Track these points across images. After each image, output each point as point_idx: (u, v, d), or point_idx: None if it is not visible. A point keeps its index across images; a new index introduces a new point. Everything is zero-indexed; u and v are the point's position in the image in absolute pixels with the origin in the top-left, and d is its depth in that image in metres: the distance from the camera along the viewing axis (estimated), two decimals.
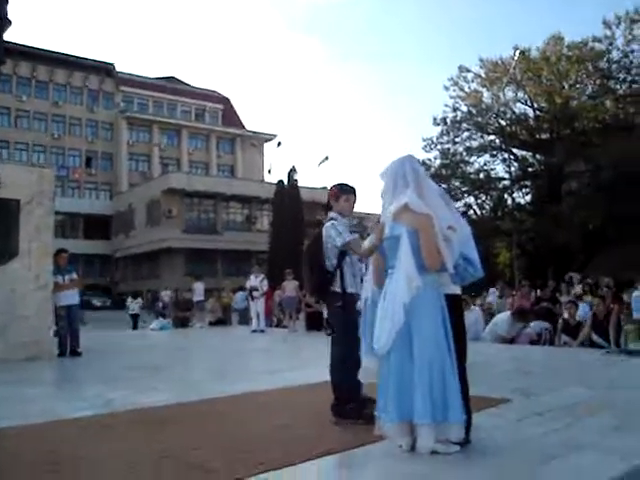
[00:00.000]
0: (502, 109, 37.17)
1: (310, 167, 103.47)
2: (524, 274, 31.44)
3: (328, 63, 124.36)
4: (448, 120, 38.08)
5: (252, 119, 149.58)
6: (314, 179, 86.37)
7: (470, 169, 38.47)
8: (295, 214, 38.54)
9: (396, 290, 3.88)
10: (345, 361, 4.91)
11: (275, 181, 43.14)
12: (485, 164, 38.51)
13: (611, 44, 33.54)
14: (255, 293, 16.30)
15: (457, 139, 38.32)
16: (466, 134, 38.37)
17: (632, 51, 33.45)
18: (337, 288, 4.94)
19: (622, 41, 33.30)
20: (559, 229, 30.23)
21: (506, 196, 38.45)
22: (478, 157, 38.54)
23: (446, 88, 38.40)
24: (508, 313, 12.40)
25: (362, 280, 5.02)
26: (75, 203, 55.87)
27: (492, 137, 38.35)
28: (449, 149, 38.42)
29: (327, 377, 6.34)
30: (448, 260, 3.89)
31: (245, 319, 19.87)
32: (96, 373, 8.32)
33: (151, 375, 8.07)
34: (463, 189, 37.93)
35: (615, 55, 33.96)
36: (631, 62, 33.70)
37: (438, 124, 38.25)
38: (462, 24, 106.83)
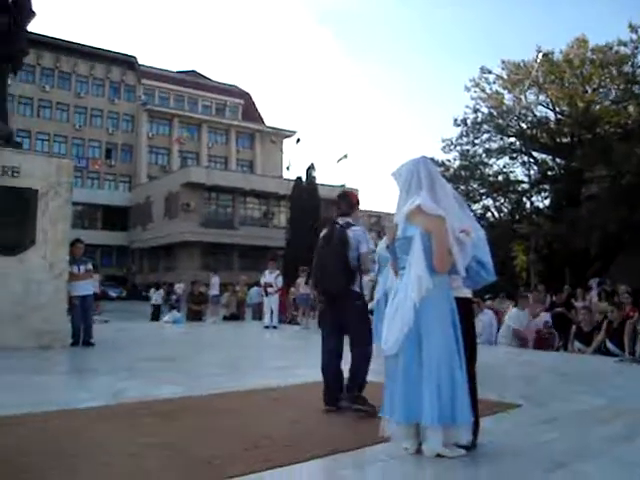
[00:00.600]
0: (523, 112, 36.85)
1: (328, 164, 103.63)
2: (541, 278, 31.21)
3: (348, 61, 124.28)
4: (468, 121, 37.80)
5: (272, 115, 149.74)
6: (332, 176, 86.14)
7: (489, 171, 38.18)
8: (313, 211, 38.56)
9: (406, 291, 3.87)
10: (370, 359, 5.27)
11: (293, 177, 43.20)
12: (504, 166, 38.18)
13: (637, 48, 33.05)
14: (269, 289, 16.31)
15: (477, 141, 38.04)
16: (486, 136, 38.07)
17: None
18: (357, 288, 5.31)
19: None
20: (577, 234, 29.92)
21: (525, 199, 38.14)
22: (497, 159, 38.23)
23: (467, 89, 38.15)
24: (516, 308, 12.38)
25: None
26: (94, 194, 56.28)
27: (512, 139, 38.02)
28: (468, 150, 38.15)
29: None
30: (459, 263, 3.87)
31: (258, 315, 19.92)
32: (108, 364, 8.36)
33: (162, 367, 8.11)
34: (481, 191, 37.65)
35: None
36: None
37: (458, 125, 38.00)
38: (484, 25, 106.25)
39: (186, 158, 62.33)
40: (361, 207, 5.70)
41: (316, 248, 5.55)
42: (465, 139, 38.09)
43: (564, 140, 36.10)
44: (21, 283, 9.60)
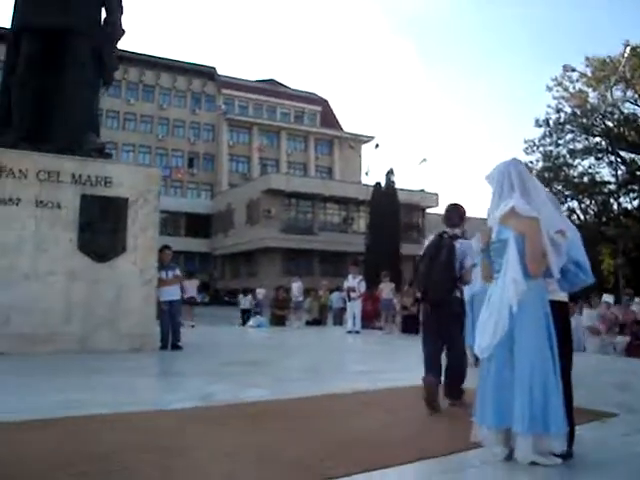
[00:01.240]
0: (609, 109, 35.72)
1: (407, 169, 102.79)
2: (629, 282, 30.10)
3: (424, 65, 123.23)
4: (551, 122, 36.96)
5: (350, 121, 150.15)
6: (411, 181, 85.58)
7: (574, 172, 37.19)
8: (392, 216, 38.41)
9: (502, 295, 3.81)
10: (466, 362, 5.92)
11: (372, 183, 43.14)
12: (590, 167, 37.16)
13: None
14: (353, 294, 16.31)
15: (560, 141, 37.13)
16: (570, 136, 37.12)
17: None
18: (458, 294, 5.74)
19: None
20: None
21: (612, 201, 36.96)
22: (582, 160, 37.22)
23: (549, 89, 37.30)
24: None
25: None
26: (177, 202, 57.67)
27: (597, 139, 36.92)
28: (552, 151, 37.28)
29: None
30: (554, 265, 3.78)
31: (340, 319, 19.96)
32: (196, 367, 8.55)
33: (248, 371, 8.22)
34: (566, 193, 36.69)
35: None
36: None
37: (540, 126, 37.20)
38: (565, 24, 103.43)
39: (266, 165, 63.20)
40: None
41: (422, 257, 5.89)
42: (548, 140, 37.27)
43: None
44: (113, 289, 9.94)
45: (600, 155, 37.06)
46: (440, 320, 5.69)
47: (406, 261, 38.00)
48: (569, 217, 34.06)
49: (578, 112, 36.50)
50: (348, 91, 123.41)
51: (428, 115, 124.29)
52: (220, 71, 65.38)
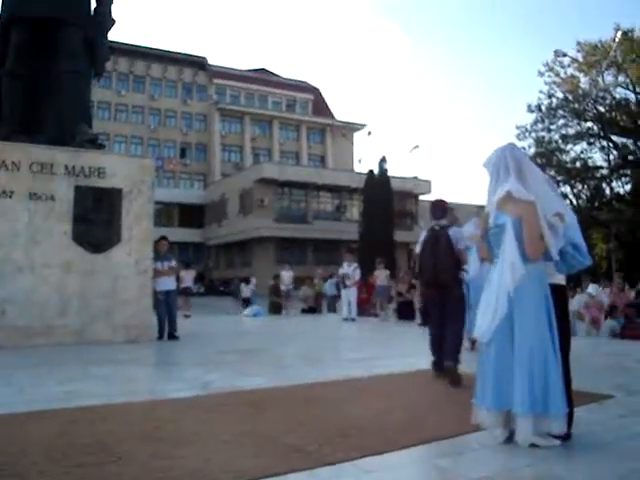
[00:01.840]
0: (601, 94, 35.74)
1: (400, 156, 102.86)
2: (622, 267, 30.23)
3: (414, 51, 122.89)
4: (543, 107, 36.98)
5: (342, 109, 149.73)
6: (404, 169, 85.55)
7: (566, 157, 37.26)
8: (385, 203, 38.46)
9: (500, 279, 3.83)
10: (462, 334, 6.59)
11: (365, 171, 43.14)
12: (582, 152, 37.23)
13: None
14: (347, 281, 16.32)
15: (552, 127, 37.18)
16: (562, 121, 37.15)
17: None
18: (460, 277, 6.55)
19: None
20: None
21: (604, 185, 37.07)
22: (574, 145, 37.28)
23: (540, 74, 37.25)
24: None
25: None
26: (170, 193, 57.50)
27: (589, 124, 36.98)
28: (544, 137, 37.31)
29: (421, 366, 6.34)
30: (552, 248, 3.80)
31: (333, 307, 20.01)
32: (193, 356, 8.57)
33: (246, 359, 8.24)
34: (558, 178, 36.73)
35: None
36: None
37: (532, 111, 37.23)
38: (555, 7, 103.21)
39: (258, 155, 63.06)
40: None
41: (422, 250, 6.66)
42: (540, 125, 37.31)
43: None
44: (109, 279, 9.94)
45: (592, 140, 37.14)
46: (445, 301, 6.47)
47: (400, 248, 38.11)
48: None
49: (570, 97, 36.52)
50: (339, 79, 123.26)
51: (420, 103, 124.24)
52: (211, 61, 65.17)
